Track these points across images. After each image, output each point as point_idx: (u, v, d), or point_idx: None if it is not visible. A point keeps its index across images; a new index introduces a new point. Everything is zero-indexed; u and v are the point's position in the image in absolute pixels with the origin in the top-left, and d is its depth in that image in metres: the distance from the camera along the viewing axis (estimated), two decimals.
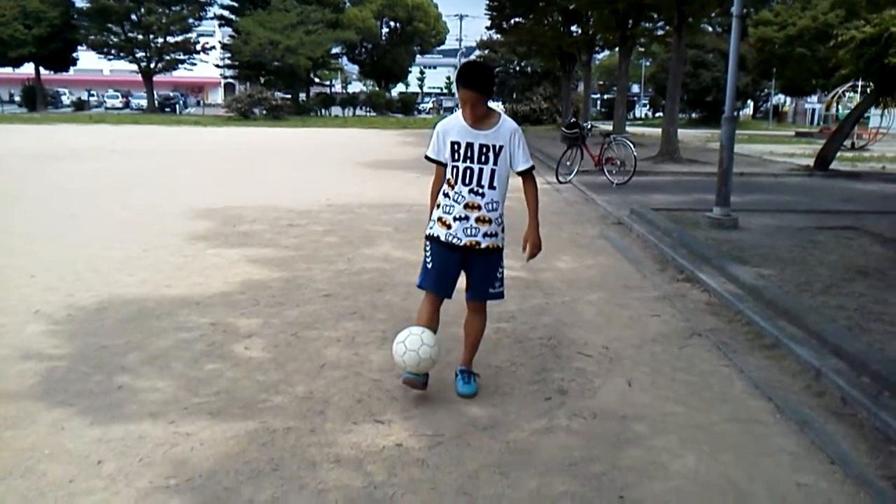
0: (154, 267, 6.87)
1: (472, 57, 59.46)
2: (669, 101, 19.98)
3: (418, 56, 63.48)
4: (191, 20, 51.43)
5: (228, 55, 51.79)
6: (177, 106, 56.28)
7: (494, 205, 3.91)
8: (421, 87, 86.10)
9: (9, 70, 53.93)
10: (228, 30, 53.85)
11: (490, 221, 3.90)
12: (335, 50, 53.99)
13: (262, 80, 49.70)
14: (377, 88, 59.74)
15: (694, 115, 52.43)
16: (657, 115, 57.40)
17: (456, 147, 3.87)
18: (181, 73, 57.94)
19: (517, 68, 52.04)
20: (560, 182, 14.10)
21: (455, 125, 3.89)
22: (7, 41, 48.06)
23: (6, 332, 5.05)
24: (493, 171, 3.87)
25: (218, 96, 73.79)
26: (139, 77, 53.01)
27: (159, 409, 3.86)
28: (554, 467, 3.34)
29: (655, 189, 13.32)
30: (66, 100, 60.77)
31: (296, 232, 8.81)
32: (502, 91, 52.78)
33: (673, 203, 11.27)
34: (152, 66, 51.23)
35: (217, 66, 56.12)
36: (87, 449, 3.44)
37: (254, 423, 3.71)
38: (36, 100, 52.14)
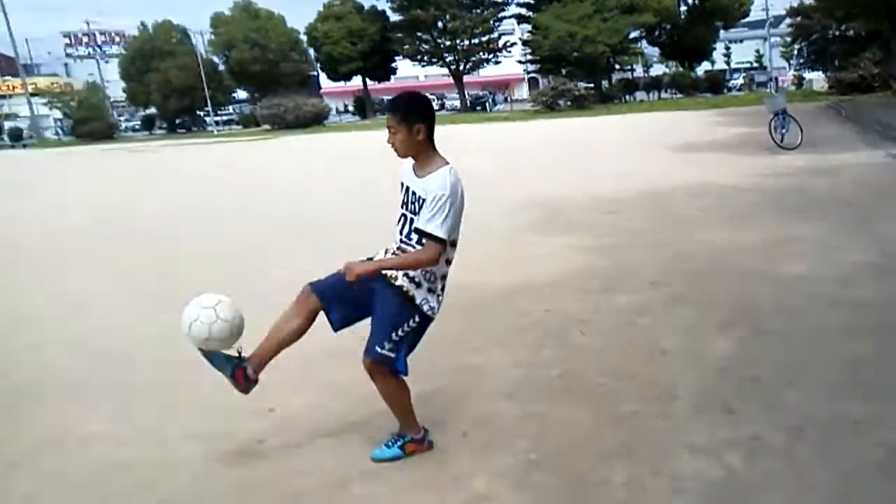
0: (486, 255, 7.27)
1: (783, 27, 54.89)
2: None
3: (722, 31, 59.94)
4: (491, 21, 53.61)
5: (529, 50, 53.10)
6: (486, 104, 58.96)
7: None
8: (728, 63, 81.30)
9: (340, 84, 60.38)
10: (527, 26, 55.19)
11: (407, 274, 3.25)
12: (633, 34, 52.85)
13: (564, 71, 50.22)
14: (681, 69, 57.50)
15: None
16: None
17: (402, 188, 3.35)
18: (488, 72, 60.55)
19: (836, 34, 47.00)
20: None
21: (408, 164, 3.35)
22: (338, 58, 53.85)
23: None
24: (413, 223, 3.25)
25: (523, 91, 75.91)
26: (450, 80, 56.47)
27: (511, 389, 4.09)
28: None
29: None
30: None
31: (616, 219, 8.81)
32: (821, 59, 47.99)
33: None
34: (461, 67, 54.24)
35: (520, 61, 57.76)
36: (453, 421, 3.75)
37: (600, 406, 3.80)
38: (366, 108, 57.93)
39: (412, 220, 3.24)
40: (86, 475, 3.48)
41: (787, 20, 48.32)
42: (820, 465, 3.12)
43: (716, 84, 53.60)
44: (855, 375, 3.96)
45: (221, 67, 58.34)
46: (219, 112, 60.07)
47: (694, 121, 27.40)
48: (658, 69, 70.75)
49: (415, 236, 3.21)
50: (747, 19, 62.25)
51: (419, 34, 53.33)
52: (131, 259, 8.59)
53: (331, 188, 14.62)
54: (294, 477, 3.31)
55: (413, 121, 3.17)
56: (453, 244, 3.28)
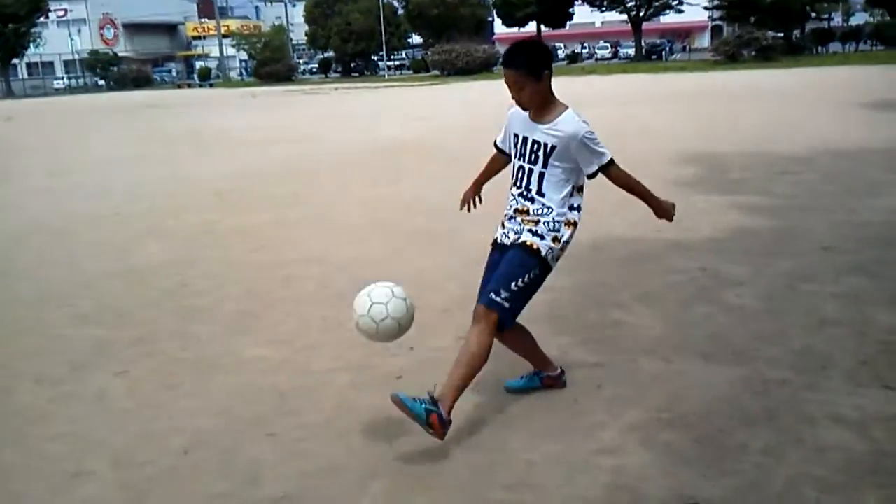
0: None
1: None
2: None
3: None
4: None
5: None
6: (663, 52, 56.67)
7: (545, 209, 3.20)
8: None
9: (514, 30, 59.87)
10: None
11: (538, 221, 3.20)
12: None
13: (753, 19, 47.19)
14: (887, 18, 52.39)
15: None
16: None
17: (515, 140, 3.29)
18: (669, 20, 58.07)
19: None
20: None
21: (521, 114, 3.25)
22: (515, 2, 53.38)
23: None
24: (540, 175, 3.19)
25: (705, 40, 72.15)
26: (628, 27, 54.59)
27: (653, 346, 4.04)
28: None
29: None
30: (560, 53, 65.42)
31: (790, 179, 8.33)
32: None
33: None
34: (641, 13, 52.24)
35: (706, 8, 54.84)
36: (588, 374, 3.77)
37: (747, 371, 3.67)
38: None
39: (531, 171, 3.23)
40: (235, 397, 3.78)
41: None
42: None
43: None
44: None
45: (400, 12, 59.45)
46: (392, 56, 61.38)
47: (892, 77, 25.07)
48: (859, 18, 64.82)
49: (535, 187, 3.22)
50: None
51: None
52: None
53: None
54: None
55: (541, 70, 3.10)
56: (580, 190, 3.28)
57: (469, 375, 3.15)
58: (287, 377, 3.95)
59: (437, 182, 9.56)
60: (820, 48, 48.68)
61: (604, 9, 54.26)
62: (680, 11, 53.36)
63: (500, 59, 3.22)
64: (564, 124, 3.13)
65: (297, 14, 68.69)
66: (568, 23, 61.14)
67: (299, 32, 69.58)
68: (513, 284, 3.15)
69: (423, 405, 2.94)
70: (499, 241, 3.40)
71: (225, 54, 66.26)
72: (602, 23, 72.44)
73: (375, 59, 62.10)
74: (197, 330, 4.72)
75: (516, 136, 3.30)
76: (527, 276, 3.18)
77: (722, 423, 3.22)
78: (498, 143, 3.53)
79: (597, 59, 61.46)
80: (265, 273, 5.89)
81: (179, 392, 3.85)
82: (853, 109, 15.51)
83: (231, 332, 4.65)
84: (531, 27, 58.04)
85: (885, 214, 6.57)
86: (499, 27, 66.55)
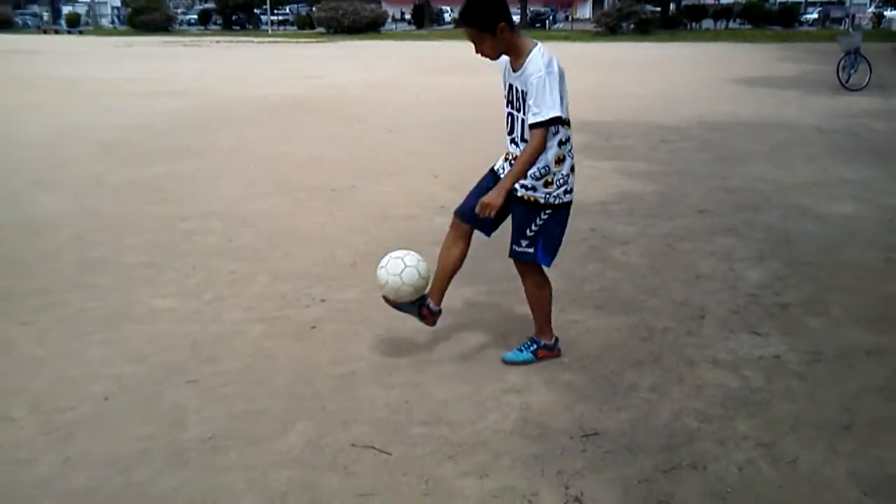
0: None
1: None
2: None
3: None
4: None
5: None
6: (546, 21, 57.68)
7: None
8: None
9: None
10: None
11: (525, 175, 3.28)
12: None
13: None
14: None
15: None
16: None
17: (504, 89, 3.35)
18: None
19: None
20: None
21: (506, 61, 3.30)
22: None
23: (419, 221, 5.94)
24: (522, 122, 3.23)
25: (587, 11, 73.92)
26: None
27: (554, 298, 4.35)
28: None
29: None
30: (447, 17, 65.45)
31: (668, 147, 8.88)
32: None
33: None
34: None
35: None
36: (494, 324, 4.04)
37: (634, 320, 4.04)
38: (424, 17, 56.99)
39: (515, 117, 3.28)
40: (150, 345, 3.84)
41: None
42: (830, 384, 3.35)
43: (788, 17, 51.55)
44: (879, 311, 4.15)
45: None
46: (276, 11, 59.61)
47: (760, 55, 26.67)
48: None
49: (518, 132, 3.28)
50: None
51: None
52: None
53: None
54: (346, 359, 3.63)
55: (494, 23, 3.11)
56: (565, 123, 3.24)
57: (547, 309, 3.59)
58: (200, 327, 4.02)
59: (334, 140, 9.62)
60: (694, 24, 50.83)
61: None
62: None
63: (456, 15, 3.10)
64: (530, 64, 3.13)
65: None
66: None
67: None
68: (527, 231, 3.37)
69: (526, 352, 3.58)
70: (495, 168, 3.52)
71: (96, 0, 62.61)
72: None
73: (258, 12, 60.16)
74: (100, 281, 4.69)
75: (504, 84, 3.34)
76: (536, 222, 3.35)
77: (614, 365, 3.56)
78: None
79: None
80: (165, 226, 5.85)
81: (91, 340, 3.86)
82: (723, 84, 16.48)
83: (136, 284, 4.64)
84: None
85: (752, 182, 7.16)
86: None
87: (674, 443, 2.93)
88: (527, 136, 3.21)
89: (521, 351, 3.61)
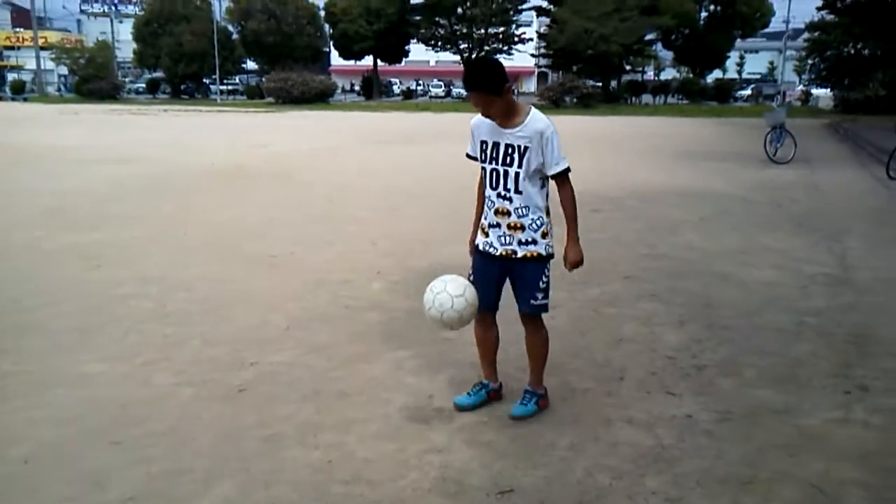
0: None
1: (800, 41, 55.04)
2: None
3: (739, 40, 60.12)
4: (511, 12, 53.80)
5: (544, 44, 53.30)
6: None
7: (525, 210, 3.56)
8: (739, 72, 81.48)
9: (350, 63, 60.55)
10: (546, 20, 55.37)
11: (523, 228, 3.58)
12: (649, 36, 53.09)
13: (575, 68, 50.48)
14: (692, 75, 57.75)
15: None
16: None
17: (484, 147, 3.57)
18: None
19: (851, 52, 47.31)
20: (891, 178, 12.93)
21: (485, 123, 3.54)
22: (352, 36, 54.14)
23: (356, 287, 6.05)
24: (517, 175, 3.50)
25: (531, 85, 76.15)
26: (461, 67, 56.67)
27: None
28: (845, 455, 3.40)
29: None
30: (396, 89, 66.78)
31: (601, 216, 9.18)
32: (832, 76, 48.28)
33: None
34: (473, 56, 54.42)
35: (532, 55, 57.99)
36: (421, 385, 4.15)
37: (557, 381, 4.17)
38: (372, 89, 58.13)
39: (506, 173, 3.51)
40: (75, 409, 3.85)
41: (805, 34, 48.45)
42: (737, 441, 3.52)
43: (723, 93, 53.89)
44: (789, 372, 4.36)
45: (235, 36, 58.43)
46: (225, 81, 60.05)
47: (695, 128, 27.77)
48: (669, 73, 70.91)
49: (512, 186, 3.51)
50: (766, 30, 62.32)
51: (437, 19, 53.51)
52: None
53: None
54: (273, 421, 3.69)
55: (501, 85, 3.35)
56: (547, 179, 3.59)
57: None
58: (128, 390, 4.04)
59: (277, 208, 9.73)
60: (634, 98, 52.79)
61: (438, 49, 56.14)
62: (510, 55, 56.13)
63: (463, 81, 3.35)
64: (534, 123, 3.45)
65: (125, 31, 65.78)
66: (404, 59, 62.63)
67: (126, 50, 66.57)
68: (540, 284, 3.67)
69: (531, 404, 3.77)
70: (481, 248, 3.71)
71: (43, 67, 62.34)
72: (436, 62, 74.68)
73: (207, 82, 60.58)
74: (32, 345, 4.68)
75: (485, 142, 3.56)
76: (546, 273, 3.71)
77: (535, 424, 3.68)
78: (471, 153, 3.69)
79: (430, 97, 63.27)
80: (101, 291, 5.85)
81: (15, 404, 3.85)
82: (658, 156, 17.11)
83: (67, 348, 4.64)
84: (368, 60, 58.98)
85: (679, 250, 7.46)
86: (335, 59, 67.09)
87: (585, 499, 3.05)
88: (521, 187, 3.50)
89: (526, 405, 3.77)
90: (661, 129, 27.60)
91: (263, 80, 54.07)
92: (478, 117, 3.57)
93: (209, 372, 4.29)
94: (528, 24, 59.83)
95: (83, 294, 5.78)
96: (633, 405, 3.92)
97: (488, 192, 3.62)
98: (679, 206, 10.14)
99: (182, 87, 60.02)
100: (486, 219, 3.68)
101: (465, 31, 53.58)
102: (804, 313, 5.45)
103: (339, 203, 10.17)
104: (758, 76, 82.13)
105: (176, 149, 18.07)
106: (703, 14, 55.15)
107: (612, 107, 44.73)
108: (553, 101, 44.12)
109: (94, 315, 5.28)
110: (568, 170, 3.54)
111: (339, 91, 57.60)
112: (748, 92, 62.48)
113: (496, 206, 3.59)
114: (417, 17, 54.67)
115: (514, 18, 54.65)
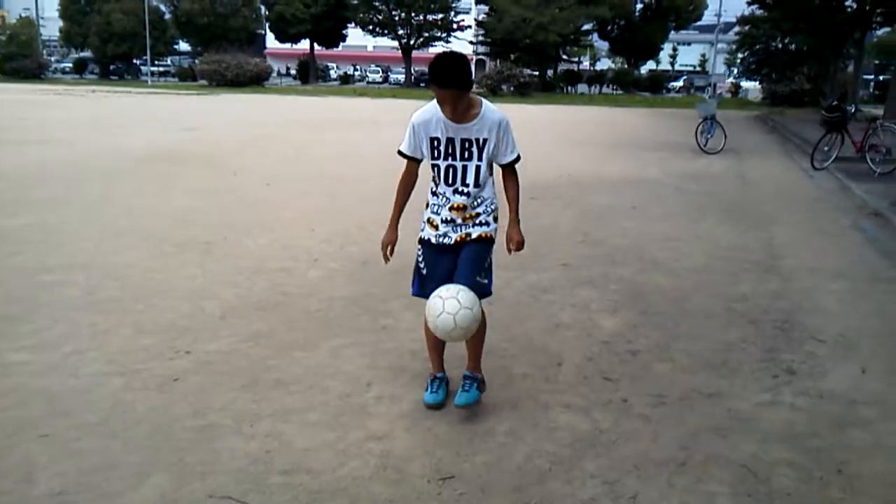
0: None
1: (731, 34, 56.43)
2: None
3: (672, 32, 61.37)
4: None
5: (482, 32, 53.44)
6: None
7: (480, 199, 3.57)
8: (672, 64, 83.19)
9: (288, 46, 59.63)
10: (484, 7, 55.48)
11: (478, 214, 3.58)
12: (586, 27, 53.75)
13: (513, 56, 50.75)
14: (626, 66, 58.73)
15: None
16: None
17: (436, 144, 3.45)
18: (437, 50, 60.56)
19: (779, 46, 48.80)
20: (815, 168, 13.38)
21: (433, 118, 3.42)
22: (289, 20, 53.33)
23: (293, 273, 5.97)
24: (477, 168, 3.48)
25: None
26: (398, 53, 56.47)
27: (417, 347, 4.46)
28: (774, 437, 3.50)
29: None
30: (333, 74, 66.15)
31: (538, 204, 9.26)
32: (761, 70, 49.74)
33: None
34: (411, 42, 54.25)
35: (471, 42, 58.06)
36: (360, 373, 4.11)
37: (495, 367, 4.19)
38: (309, 73, 57.38)
39: (465, 167, 3.48)
40: (2, 400, 3.70)
41: (737, 27, 49.67)
42: (671, 424, 3.60)
43: (656, 84, 55.08)
44: (720, 356, 4.48)
45: (167, 16, 56.90)
46: (156, 62, 58.44)
47: (629, 118, 28.24)
48: (604, 63, 71.97)
49: (472, 180, 3.49)
50: (699, 23, 63.78)
51: (375, 4, 53.05)
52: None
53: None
54: (208, 411, 3.62)
55: (472, 83, 3.33)
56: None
57: (481, 344, 3.75)
58: (57, 380, 3.91)
59: (209, 193, 9.52)
60: (570, 88, 53.41)
61: (375, 34, 55.74)
62: (448, 42, 56.08)
63: (429, 77, 3.23)
64: (490, 114, 3.43)
65: (50, 7, 63.40)
66: (341, 44, 62.00)
67: (52, 28, 64.29)
68: (484, 264, 3.64)
69: (473, 390, 3.62)
70: (433, 241, 3.64)
71: None
72: (374, 47, 74.21)
73: (138, 63, 58.88)
74: None
75: (436, 139, 3.45)
76: (490, 255, 3.68)
77: (476, 412, 3.69)
78: (408, 152, 3.56)
79: (368, 83, 62.83)
80: (25, 278, 5.64)
81: None
82: (594, 145, 17.34)
83: None
84: (304, 44, 58.19)
85: (613, 237, 7.57)
86: (271, 42, 65.99)
87: (525, 483, 3.07)
88: (481, 180, 3.50)
89: (468, 391, 3.64)
90: (596, 118, 27.98)
91: (196, 61, 52.84)
92: (422, 114, 3.46)
93: (141, 361, 4.17)
94: (467, 12, 59.85)
95: (6, 281, 5.56)
96: (571, 390, 3.97)
97: (442, 188, 3.55)
98: (614, 193, 10.30)
99: (111, 67, 58.23)
100: (436, 214, 3.62)
101: (403, 16, 53.27)
102: (733, 300, 5.60)
103: (275, 188, 10.02)
104: (690, 68, 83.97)
105: (103, 131, 17.53)
106: (639, 6, 56.10)
107: (548, 95, 45.17)
108: (491, 89, 44.30)
109: (17, 303, 5.08)
110: (518, 158, 3.57)
111: (274, 75, 56.70)
112: (680, 83, 63.92)
113: (452, 202, 3.55)
114: (355, 2, 54.15)
115: (454, 5, 54.57)
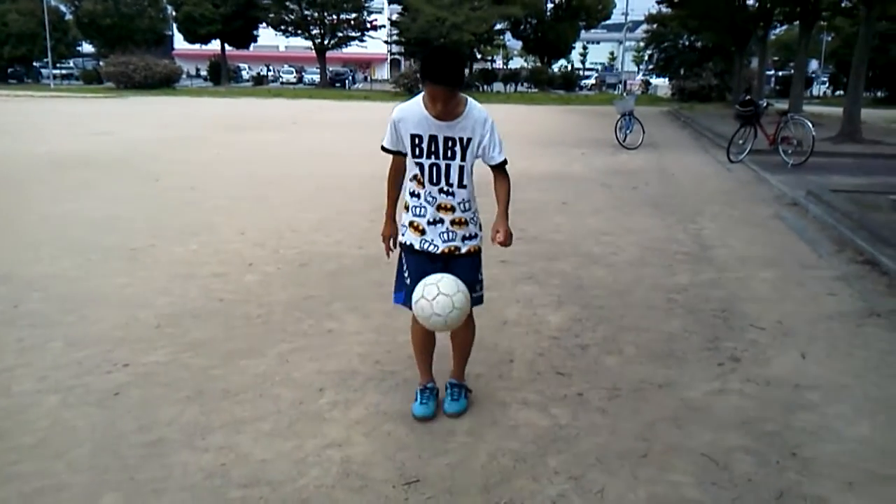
0: (344, 229, 7.50)
1: (639, 31, 58.01)
2: (854, 78, 18.76)
3: (582, 31, 62.57)
4: None
5: (396, 32, 53.27)
6: (346, 81, 58.58)
7: (468, 204, 3.45)
8: (583, 62, 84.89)
9: (197, 47, 58.11)
10: (397, 7, 55.36)
11: (467, 223, 3.46)
12: (499, 26, 54.24)
13: None
14: (539, 64, 59.56)
15: (879, 95, 48.68)
16: (836, 93, 53.76)
17: (418, 141, 3.33)
18: (351, 50, 60.18)
19: (686, 44, 50.44)
20: (731, 161, 13.82)
21: (415, 115, 3.31)
22: (198, 20, 51.98)
23: (228, 280, 5.79)
24: (461, 168, 3.37)
25: (384, 72, 76.08)
26: (312, 53, 55.75)
27: (365, 351, 4.39)
28: (728, 424, 3.57)
29: (834, 170, 12.75)
30: (245, 74, 64.81)
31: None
32: (669, 67, 51.30)
33: (853, 185, 10.80)
34: (325, 42, 53.62)
35: (385, 42, 57.85)
36: (310, 379, 4.00)
37: (448, 368, 4.12)
38: (220, 74, 56.05)
39: (448, 167, 3.35)
40: None
41: (644, 25, 51.04)
42: (628, 416, 3.63)
43: (569, 82, 56.05)
44: (665, 347, 4.55)
45: (69, 17, 54.64)
46: (58, 65, 56.02)
47: (547, 115, 28.66)
48: (517, 62, 72.88)
49: (456, 180, 3.37)
50: (607, 21, 65.28)
51: (287, 3, 52.18)
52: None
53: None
54: (154, 425, 3.45)
55: (464, 79, 3.21)
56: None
57: (469, 352, 3.75)
58: None
59: (130, 198, 9.17)
60: (486, 86, 53.80)
61: (288, 34, 54.86)
62: (363, 42, 55.75)
63: (422, 72, 3.10)
64: (475, 112, 3.32)
65: None
66: (252, 44, 60.84)
67: None
68: (479, 276, 3.60)
69: (462, 398, 3.65)
70: (419, 247, 3.46)
71: None
72: (286, 47, 73.12)
73: (38, 65, 56.33)
74: None
75: (418, 136, 3.32)
76: (481, 266, 3.63)
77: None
78: (390, 147, 3.44)
79: (282, 83, 61.83)
80: None
81: None
82: (517, 142, 17.38)
83: None
84: (214, 45, 56.84)
85: (548, 233, 7.63)
86: (180, 43, 64.21)
87: (491, 483, 3.04)
88: (465, 181, 3.38)
89: (457, 400, 3.64)
90: (514, 116, 28.22)
91: (101, 63, 50.89)
92: (403, 110, 3.34)
93: (76, 376, 3.96)
94: (380, 11, 59.59)
95: None
96: (526, 387, 3.96)
97: (427, 187, 3.40)
98: (543, 190, 10.39)
99: (9, 70, 55.53)
100: (421, 216, 3.44)
101: (316, 16, 52.59)
102: (671, 290, 5.71)
103: (200, 192, 9.72)
104: (599, 66, 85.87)
105: (11, 136, 16.70)
106: (550, 5, 56.98)
107: (464, 94, 45.37)
108: (407, 89, 44.25)
109: None
110: (506, 161, 3.47)
111: (184, 76, 55.12)
112: (592, 81, 65.19)
113: (438, 201, 3.41)
114: (267, 1, 53.17)
115: (366, 5, 54.18)
